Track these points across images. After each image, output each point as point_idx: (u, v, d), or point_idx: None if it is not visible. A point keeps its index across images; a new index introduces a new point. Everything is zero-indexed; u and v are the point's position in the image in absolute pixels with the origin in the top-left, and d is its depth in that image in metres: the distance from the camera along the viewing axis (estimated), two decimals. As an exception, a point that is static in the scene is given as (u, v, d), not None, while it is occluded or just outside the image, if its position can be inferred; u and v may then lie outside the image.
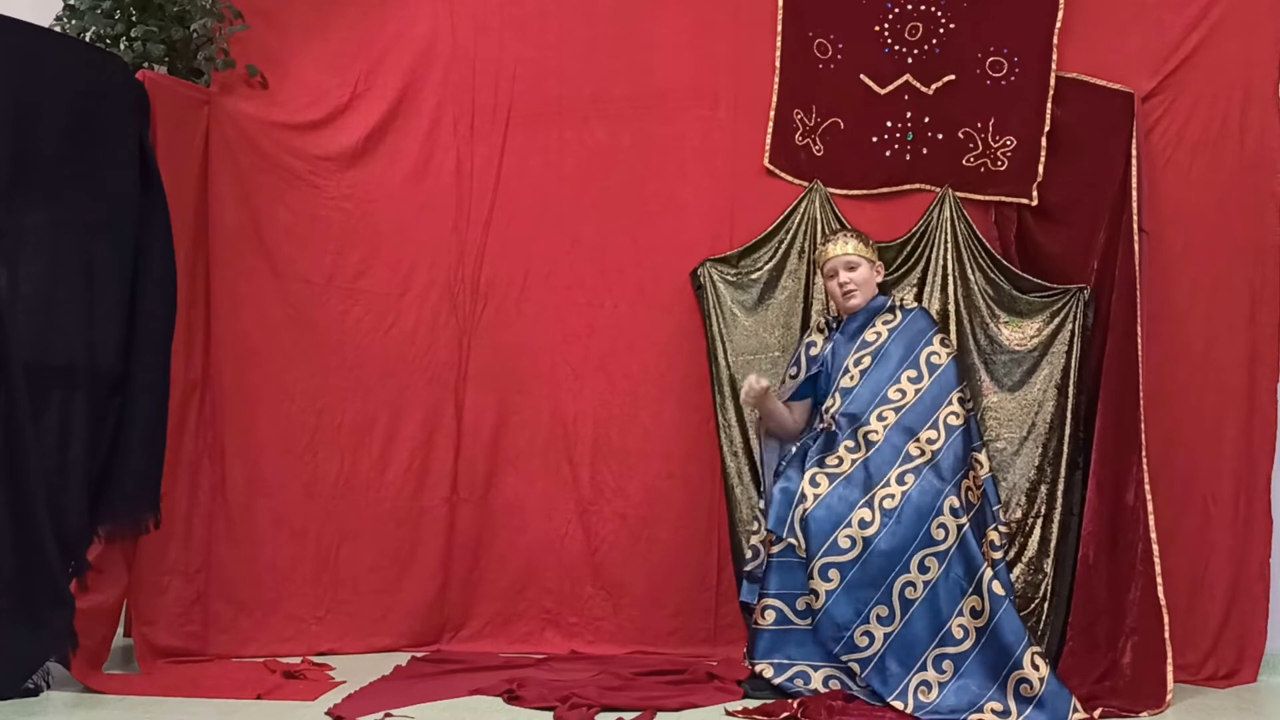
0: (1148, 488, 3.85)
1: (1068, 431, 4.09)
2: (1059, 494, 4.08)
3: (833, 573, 3.66)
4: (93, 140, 3.73)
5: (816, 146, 4.43)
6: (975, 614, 3.59)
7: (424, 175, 4.48)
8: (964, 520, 3.65)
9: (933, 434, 3.87)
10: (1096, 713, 3.52)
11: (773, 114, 4.46)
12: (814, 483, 3.77)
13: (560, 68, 4.52)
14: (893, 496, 3.71)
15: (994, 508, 3.94)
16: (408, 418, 4.40)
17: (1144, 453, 3.88)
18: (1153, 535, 3.84)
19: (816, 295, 4.31)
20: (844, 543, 3.67)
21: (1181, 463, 4.13)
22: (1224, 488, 4.16)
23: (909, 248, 4.33)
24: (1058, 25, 4.27)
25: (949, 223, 4.29)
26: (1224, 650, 4.11)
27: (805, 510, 3.71)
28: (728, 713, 3.51)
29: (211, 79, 4.21)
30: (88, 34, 4.05)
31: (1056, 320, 4.17)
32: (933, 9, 4.36)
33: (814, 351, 4.13)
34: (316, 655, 4.15)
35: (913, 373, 3.99)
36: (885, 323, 4.09)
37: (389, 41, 4.49)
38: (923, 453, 3.81)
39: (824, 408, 4.02)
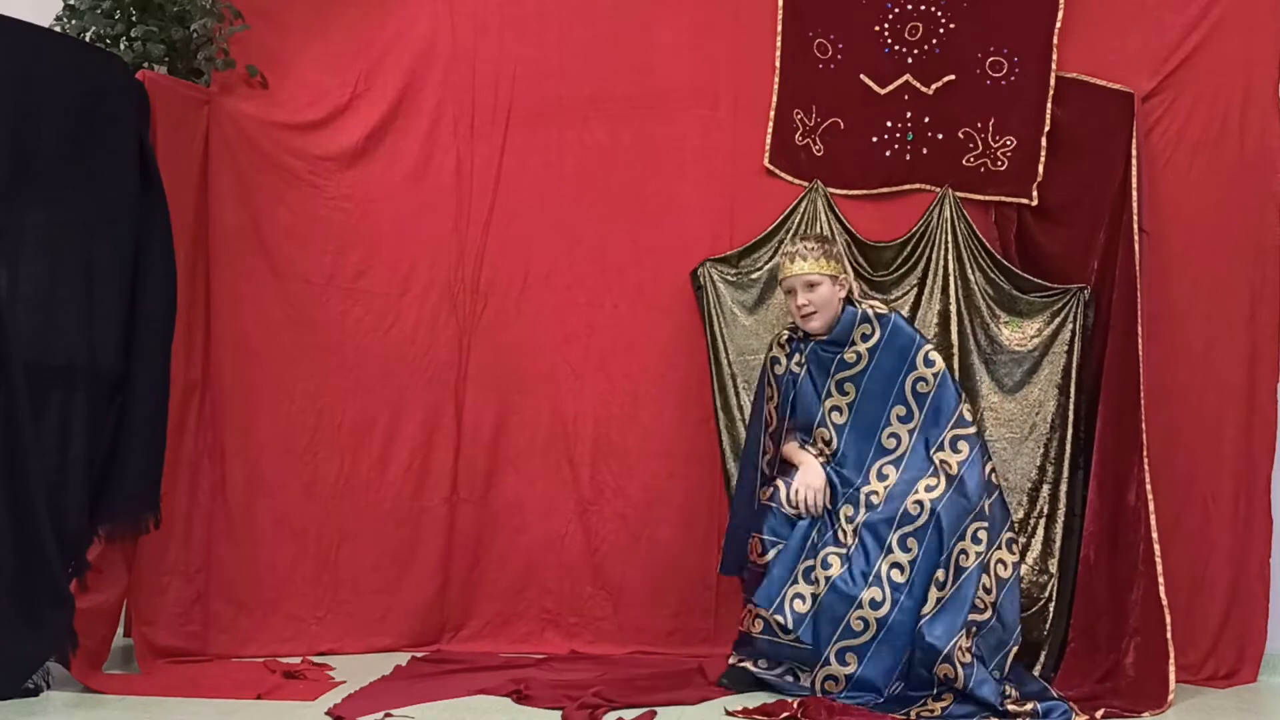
0: (1149, 488, 3.85)
1: (1069, 432, 4.09)
2: (1061, 494, 4.08)
3: (850, 656, 3.64)
4: (93, 140, 3.72)
5: (816, 146, 4.43)
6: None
7: (424, 175, 4.47)
8: (957, 581, 3.61)
9: (933, 481, 3.74)
10: (1099, 713, 3.52)
11: (773, 114, 4.46)
12: (825, 564, 3.71)
13: (560, 68, 4.52)
14: (900, 568, 3.65)
15: (1009, 522, 3.83)
16: (408, 418, 4.40)
17: (1145, 453, 3.88)
18: (1154, 535, 3.84)
19: (817, 295, 4.31)
20: (856, 625, 3.64)
21: (1181, 463, 4.13)
22: (1224, 488, 4.15)
23: (909, 248, 4.33)
24: (1058, 25, 4.27)
25: (949, 223, 4.29)
26: (1224, 650, 4.11)
27: (819, 596, 3.67)
28: (728, 712, 3.52)
29: (211, 79, 4.21)
30: (88, 34, 4.05)
31: (1057, 320, 4.17)
32: (933, 9, 4.36)
33: (779, 370, 3.99)
34: (316, 655, 4.15)
35: (901, 409, 3.84)
36: (864, 337, 3.91)
37: (389, 41, 4.49)
38: (921, 509, 3.68)
39: (815, 435, 3.94)
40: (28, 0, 3.97)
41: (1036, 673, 3.93)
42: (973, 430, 3.82)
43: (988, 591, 3.64)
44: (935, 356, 3.89)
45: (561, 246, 4.49)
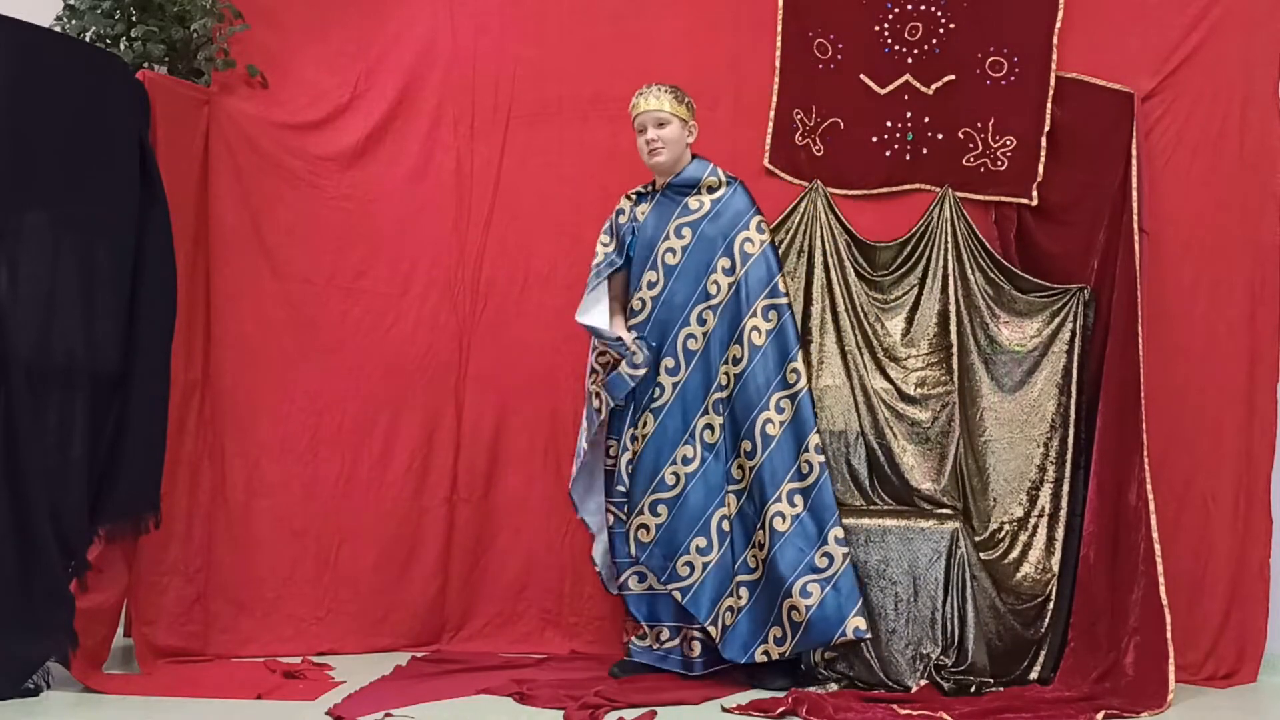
0: (1149, 488, 3.85)
1: (1070, 431, 4.09)
2: (1063, 494, 4.08)
3: (661, 508, 3.87)
4: (93, 140, 3.73)
5: (816, 146, 4.44)
6: (760, 546, 3.79)
7: (424, 175, 4.48)
8: (756, 461, 3.83)
9: (738, 350, 3.91)
10: (1099, 715, 3.52)
11: (772, 114, 4.46)
12: (643, 424, 3.90)
13: (560, 68, 4.52)
14: (712, 429, 3.89)
15: (811, 423, 3.87)
16: (408, 418, 4.41)
17: (1145, 453, 3.88)
18: (1155, 535, 3.83)
19: (816, 295, 4.31)
20: (670, 479, 3.87)
21: (1181, 463, 4.13)
22: (1224, 488, 4.15)
23: (909, 248, 4.33)
24: (1058, 25, 4.27)
25: (949, 223, 4.29)
26: (1224, 650, 4.11)
27: (636, 454, 3.89)
28: (724, 709, 3.52)
29: (211, 79, 4.22)
30: (88, 34, 4.06)
31: (1057, 320, 4.17)
32: (933, 9, 4.36)
33: (621, 220, 4.08)
34: (316, 655, 4.15)
35: (726, 262, 3.95)
36: (710, 189, 4.01)
37: (389, 41, 4.49)
38: (730, 380, 3.89)
39: (644, 280, 3.99)
40: (28, 0, 3.97)
41: (1036, 674, 3.94)
42: (784, 301, 3.96)
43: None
44: (765, 228, 4.04)
45: (561, 246, 4.49)
